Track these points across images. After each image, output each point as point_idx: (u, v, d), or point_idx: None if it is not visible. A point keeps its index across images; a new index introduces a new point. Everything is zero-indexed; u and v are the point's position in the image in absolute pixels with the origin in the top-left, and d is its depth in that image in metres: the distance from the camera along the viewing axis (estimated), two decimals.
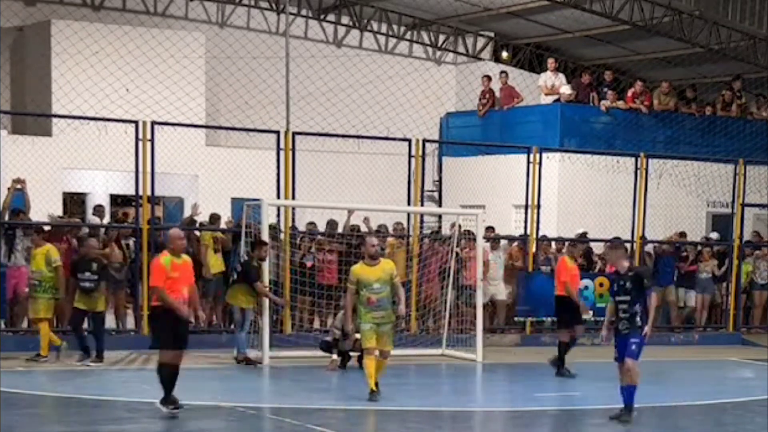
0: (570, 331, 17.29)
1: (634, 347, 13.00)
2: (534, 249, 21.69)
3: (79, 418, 12.52)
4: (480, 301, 19.25)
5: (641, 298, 13.06)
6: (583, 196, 24.04)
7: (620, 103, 26.31)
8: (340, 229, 20.50)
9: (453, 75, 29.87)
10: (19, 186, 18.19)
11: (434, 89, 29.26)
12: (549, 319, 21.39)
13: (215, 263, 19.59)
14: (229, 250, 19.42)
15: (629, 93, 26.72)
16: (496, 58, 30.20)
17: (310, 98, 27.19)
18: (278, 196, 19.75)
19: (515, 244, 22.21)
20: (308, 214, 22.32)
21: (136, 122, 19.03)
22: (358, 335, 17.06)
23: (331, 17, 28.46)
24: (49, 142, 22.34)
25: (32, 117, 23.90)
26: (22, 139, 22.40)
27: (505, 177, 24.03)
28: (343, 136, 22.63)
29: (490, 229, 21.63)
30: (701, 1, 27.23)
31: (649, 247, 23.19)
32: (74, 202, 25.36)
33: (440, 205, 25.01)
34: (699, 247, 23.50)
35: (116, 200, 25.07)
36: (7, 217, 18.10)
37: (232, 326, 18.20)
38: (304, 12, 28.00)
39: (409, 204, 20.88)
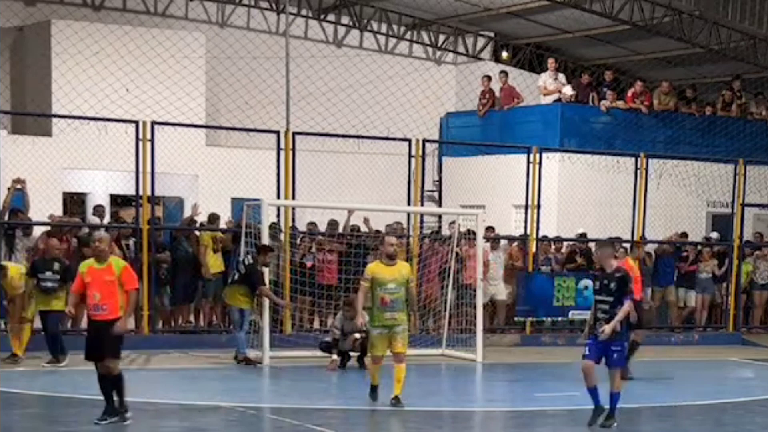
0: (634, 334, 17.25)
1: (616, 356, 12.53)
2: (534, 249, 21.69)
3: (79, 418, 12.52)
4: (480, 301, 19.25)
5: (623, 302, 12.60)
6: (583, 196, 24.05)
7: (620, 103, 26.32)
8: (340, 230, 20.50)
9: (453, 75, 29.87)
10: (19, 186, 18.17)
11: (434, 89, 29.26)
12: (549, 319, 21.43)
13: (215, 263, 19.59)
14: (229, 250, 19.42)
15: (629, 93, 26.72)
16: (496, 58, 30.20)
17: (310, 98, 27.19)
18: (278, 196, 19.75)
19: (515, 244, 22.22)
20: (308, 214, 22.32)
21: (136, 122, 19.04)
22: (357, 335, 17.08)
23: (331, 17, 28.47)
24: (49, 142, 22.35)
25: (32, 117, 23.90)
26: (22, 139, 22.41)
27: (505, 177, 24.03)
28: (343, 136, 22.63)
29: (490, 229, 21.63)
30: (701, 1, 27.24)
31: (649, 247, 23.18)
32: (74, 202, 25.36)
33: (440, 205, 25.00)
34: (699, 247, 23.50)
35: (116, 200, 25.07)
36: (7, 217, 18.08)
37: (231, 326, 18.19)
38: (304, 12, 28.00)
39: (409, 204, 20.88)
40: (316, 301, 19.52)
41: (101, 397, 12.49)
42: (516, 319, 21.53)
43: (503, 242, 22.21)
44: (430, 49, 29.82)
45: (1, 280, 16.51)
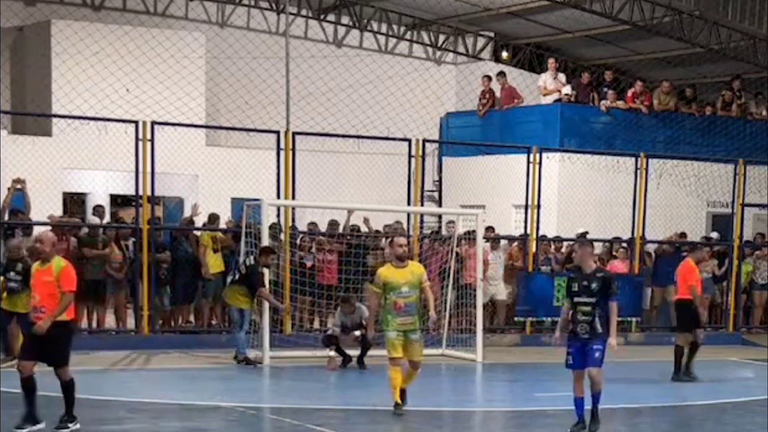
0: (692, 335, 17.22)
1: (597, 355, 12.11)
2: (534, 249, 21.68)
3: (79, 418, 12.51)
4: (480, 301, 19.24)
5: (606, 304, 12.15)
6: (583, 196, 24.05)
7: (620, 103, 26.32)
8: (340, 229, 20.50)
9: (453, 75, 29.88)
10: (19, 186, 18.17)
11: (434, 89, 29.27)
12: (549, 319, 21.42)
13: (215, 263, 19.58)
14: (232, 250, 19.42)
15: (629, 93, 26.73)
16: (496, 58, 30.21)
17: (310, 98, 27.20)
18: (278, 196, 19.75)
19: (515, 244, 22.21)
20: (308, 214, 22.33)
21: (136, 122, 19.03)
22: (357, 332, 17.07)
23: (331, 17, 28.48)
24: (49, 142, 22.35)
25: (32, 117, 23.90)
26: (22, 139, 22.41)
27: (505, 177, 24.03)
28: (343, 136, 22.63)
29: (490, 229, 21.63)
30: (701, 1, 27.24)
31: (649, 247, 23.18)
32: (74, 202, 25.37)
33: (440, 205, 25.01)
34: (699, 247, 23.45)
35: (116, 200, 25.08)
36: (6, 217, 18.08)
37: (231, 326, 18.20)
38: (304, 12, 28.01)
39: (409, 204, 20.87)
40: (316, 301, 19.52)
41: (101, 397, 12.48)
42: (516, 319, 21.54)
43: (503, 242, 22.21)
44: (430, 49, 29.83)
45: None
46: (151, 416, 12.83)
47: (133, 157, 18.89)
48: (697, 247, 20.23)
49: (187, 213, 21.96)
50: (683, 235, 23.77)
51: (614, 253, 22.92)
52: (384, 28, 29.09)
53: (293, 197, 19.91)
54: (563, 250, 22.75)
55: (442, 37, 29.85)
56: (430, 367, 18.22)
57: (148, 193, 19.05)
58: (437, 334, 19.67)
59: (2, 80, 24.20)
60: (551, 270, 21.88)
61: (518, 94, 27.21)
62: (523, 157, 21.73)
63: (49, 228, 18.58)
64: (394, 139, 22.42)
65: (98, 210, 20.33)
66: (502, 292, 21.66)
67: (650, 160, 23.02)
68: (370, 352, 17.58)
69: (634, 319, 22.39)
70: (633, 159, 22.79)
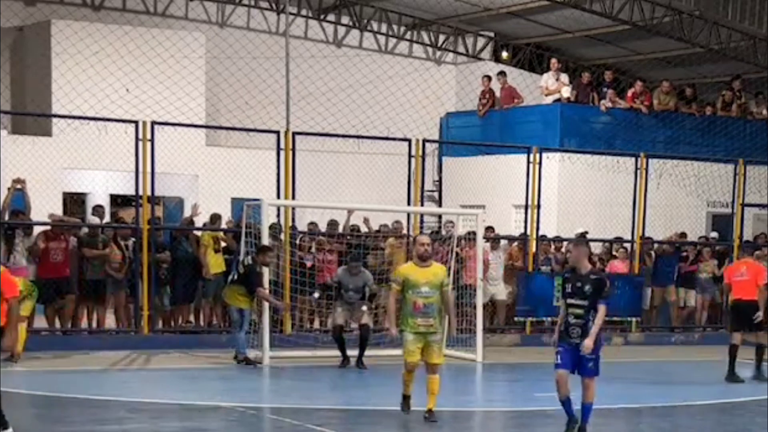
0: (752, 335, 17.22)
1: (591, 364, 11.71)
2: (534, 249, 21.69)
3: (79, 418, 12.52)
4: (480, 301, 19.24)
5: (598, 307, 11.71)
6: (583, 196, 24.06)
7: (621, 102, 26.33)
8: (340, 229, 20.50)
9: (453, 75, 29.89)
10: (19, 186, 18.16)
11: (434, 89, 29.28)
12: (549, 319, 21.41)
13: (216, 263, 19.58)
14: (233, 250, 19.41)
15: (629, 93, 26.73)
16: (496, 58, 30.22)
17: (310, 98, 27.21)
18: (278, 196, 19.74)
19: (515, 244, 22.22)
20: (308, 214, 22.33)
21: (136, 122, 19.02)
22: (364, 307, 17.15)
23: (331, 17, 28.49)
24: (49, 142, 22.35)
25: (32, 117, 23.91)
26: (22, 139, 22.42)
27: (505, 177, 24.03)
28: (343, 136, 22.62)
29: (490, 229, 21.63)
30: (701, 1, 27.25)
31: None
32: (74, 202, 25.37)
33: (440, 205, 25.01)
34: (699, 247, 23.49)
35: (116, 200, 25.08)
36: (6, 217, 18.09)
37: (231, 326, 18.19)
38: (304, 12, 28.02)
39: (409, 204, 20.87)
40: (317, 301, 19.51)
41: (101, 397, 12.48)
42: (516, 319, 21.53)
43: (503, 242, 22.21)
44: (430, 49, 29.84)
45: None
46: (151, 416, 12.82)
47: (133, 157, 18.87)
48: (758, 247, 20.10)
49: (187, 213, 21.95)
50: (683, 235, 23.78)
51: (614, 253, 22.92)
52: (384, 28, 29.09)
53: (293, 197, 19.90)
54: (563, 250, 22.74)
55: (442, 37, 29.86)
56: None
57: (148, 193, 19.04)
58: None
59: (2, 80, 24.19)
60: (551, 270, 21.87)
61: (518, 94, 27.22)
62: (523, 157, 21.73)
63: (49, 228, 18.64)
64: (394, 139, 22.41)
65: (98, 210, 20.31)
66: (502, 292, 21.66)
67: (650, 160, 23.02)
68: (374, 352, 17.60)
69: (634, 319, 22.39)
70: (633, 159, 22.78)
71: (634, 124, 26.26)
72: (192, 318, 20.29)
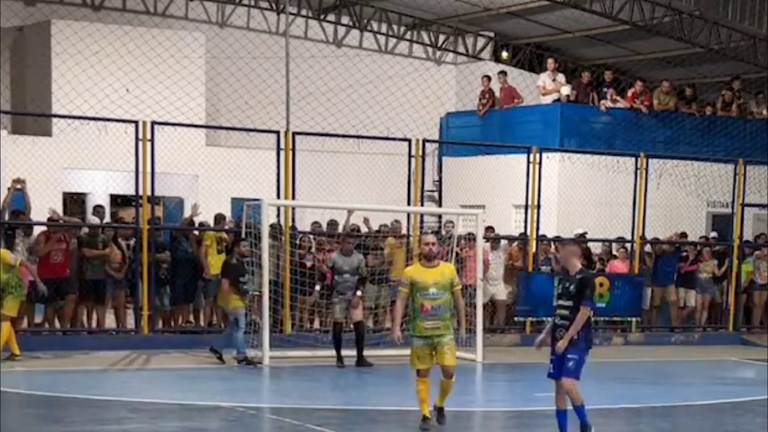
0: None
1: (571, 364, 11.24)
2: (534, 249, 21.68)
3: (79, 418, 12.52)
4: (480, 301, 19.24)
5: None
6: (583, 196, 24.05)
7: (620, 101, 26.33)
8: (340, 229, 20.50)
9: (453, 75, 29.89)
10: (19, 186, 18.16)
11: (434, 89, 29.28)
12: (549, 319, 21.37)
13: (217, 263, 19.56)
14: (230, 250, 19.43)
15: (629, 93, 26.73)
16: (496, 58, 30.22)
17: (310, 98, 27.21)
18: (278, 196, 19.74)
19: (515, 244, 22.21)
20: (308, 214, 22.33)
21: (136, 122, 19.01)
22: (358, 293, 17.28)
23: (331, 17, 28.49)
24: (49, 142, 22.35)
25: (32, 117, 23.91)
26: (22, 139, 22.42)
27: (505, 177, 24.03)
28: (343, 136, 22.62)
29: (490, 229, 21.62)
30: (701, 1, 27.25)
31: (648, 247, 23.18)
32: (74, 202, 25.37)
33: (440, 205, 25.01)
34: (699, 247, 23.50)
35: (116, 200, 25.08)
36: (6, 217, 18.09)
37: (227, 327, 18.18)
38: (304, 12, 28.02)
39: (409, 204, 20.87)
40: (316, 301, 19.51)
41: (101, 397, 12.48)
42: (516, 319, 21.53)
43: (503, 242, 22.21)
44: (430, 49, 29.84)
45: None
46: (151, 416, 12.83)
47: (133, 157, 18.87)
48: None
49: (187, 213, 21.95)
50: (683, 235, 23.77)
51: (614, 253, 22.92)
52: (384, 28, 29.09)
53: (293, 197, 19.90)
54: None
55: (442, 37, 29.86)
56: None
57: (148, 193, 19.03)
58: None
59: (2, 80, 24.21)
60: (551, 270, 21.86)
61: (518, 94, 27.22)
62: (523, 157, 21.72)
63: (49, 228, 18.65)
64: (394, 139, 22.41)
65: (98, 210, 20.32)
66: (502, 292, 21.65)
67: (650, 160, 23.01)
68: (375, 352, 17.59)
69: (634, 319, 22.39)
70: (633, 159, 22.77)
71: (634, 124, 26.26)
72: (192, 318, 20.29)
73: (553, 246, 22.52)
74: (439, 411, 12.34)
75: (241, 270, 17.31)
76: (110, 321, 19.40)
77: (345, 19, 28.66)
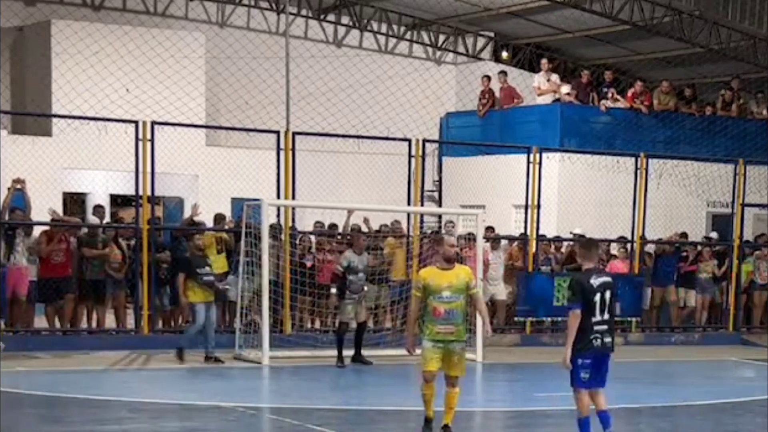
0: None
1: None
2: (534, 249, 21.68)
3: (79, 418, 12.52)
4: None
5: (573, 311, 11.05)
6: (583, 196, 24.05)
7: (621, 100, 26.34)
8: (339, 229, 20.50)
9: (453, 75, 29.90)
10: (19, 186, 18.16)
11: (434, 89, 29.29)
12: (549, 319, 21.43)
13: (218, 263, 19.55)
14: (231, 249, 19.41)
15: (629, 93, 26.73)
16: (496, 58, 30.22)
17: (310, 98, 27.21)
18: (278, 196, 19.74)
19: (515, 244, 22.21)
20: (308, 214, 22.33)
21: (136, 122, 19.00)
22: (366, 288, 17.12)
23: (331, 17, 28.50)
24: (49, 142, 22.36)
25: (32, 117, 23.91)
26: (22, 139, 22.42)
27: (505, 177, 24.03)
28: (343, 136, 22.62)
29: (490, 229, 21.63)
30: (701, 1, 27.25)
31: (649, 247, 23.19)
32: (74, 202, 25.37)
33: (440, 205, 25.01)
34: (699, 247, 23.50)
35: (116, 200, 25.08)
36: (6, 217, 18.08)
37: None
38: (304, 12, 28.03)
39: (409, 204, 20.87)
40: (316, 301, 19.52)
41: (101, 397, 12.48)
42: (516, 319, 21.53)
43: (503, 242, 22.20)
44: (430, 49, 29.84)
45: None
46: (151, 416, 12.83)
47: (133, 157, 18.86)
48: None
49: (187, 213, 21.94)
50: (683, 235, 23.77)
51: (614, 253, 22.92)
52: (384, 28, 29.10)
53: (293, 197, 19.90)
54: (563, 250, 22.76)
55: (442, 37, 29.86)
56: None
57: (148, 193, 19.02)
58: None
59: (2, 80, 24.21)
60: (551, 270, 21.88)
61: (518, 94, 27.22)
62: (523, 157, 21.72)
63: (49, 227, 18.64)
64: (394, 139, 22.41)
65: (98, 210, 20.31)
66: (502, 292, 21.65)
67: (650, 160, 23.01)
68: (375, 352, 17.59)
69: (634, 319, 22.39)
70: (633, 159, 22.78)
71: (634, 124, 26.26)
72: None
73: (552, 246, 22.53)
74: (446, 428, 11.95)
75: (197, 262, 17.21)
76: (110, 321, 19.39)
77: (345, 19, 28.66)
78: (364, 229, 20.62)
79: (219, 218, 19.97)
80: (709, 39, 27.84)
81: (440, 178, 26.68)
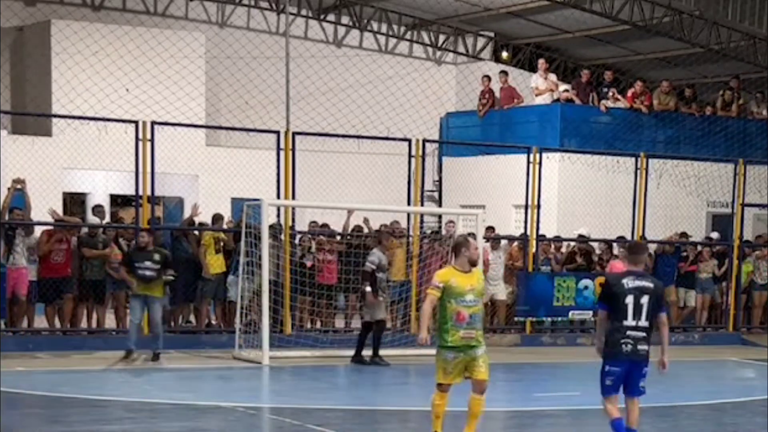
0: None
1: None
2: (534, 249, 21.68)
3: (79, 418, 12.52)
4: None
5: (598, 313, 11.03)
6: (583, 196, 24.05)
7: (621, 100, 26.34)
8: (339, 229, 20.50)
9: (453, 75, 29.90)
10: (19, 186, 18.16)
11: (434, 89, 29.29)
12: (549, 319, 21.43)
13: (216, 263, 19.57)
14: (230, 249, 19.42)
15: (629, 93, 26.74)
16: (496, 58, 30.22)
17: (310, 98, 27.22)
18: (278, 196, 19.73)
19: (515, 244, 22.21)
20: (308, 214, 22.33)
21: (136, 122, 19.00)
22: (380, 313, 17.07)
23: (331, 17, 28.50)
24: (49, 142, 22.36)
25: (32, 117, 23.92)
26: (22, 139, 22.43)
27: (505, 177, 24.04)
28: (343, 136, 22.62)
29: (490, 229, 21.63)
30: (701, 1, 27.25)
31: (649, 247, 23.17)
32: (74, 202, 25.38)
33: (440, 205, 25.02)
34: (699, 247, 23.50)
35: (116, 200, 25.08)
36: (6, 217, 18.08)
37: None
38: (304, 12, 28.03)
39: (409, 204, 20.87)
40: (316, 301, 19.52)
41: (101, 397, 12.47)
42: (516, 319, 21.53)
43: (503, 242, 22.20)
44: (430, 49, 29.84)
45: None
46: (151, 416, 12.82)
47: (133, 157, 18.86)
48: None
49: (187, 213, 21.94)
50: (683, 235, 23.77)
51: (614, 253, 22.91)
52: (384, 28, 29.10)
53: (293, 197, 19.89)
54: (563, 250, 22.76)
55: (442, 37, 29.86)
56: (429, 366, 18.22)
57: (148, 193, 19.02)
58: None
59: (2, 80, 24.22)
60: (551, 270, 21.88)
61: (518, 94, 27.22)
62: (523, 157, 21.72)
63: (50, 227, 18.64)
64: (394, 139, 22.41)
65: (98, 210, 20.31)
66: (502, 292, 21.65)
67: (650, 160, 23.01)
68: (380, 351, 17.58)
69: None
70: (633, 159, 22.78)
71: (634, 124, 26.27)
72: (192, 318, 20.28)
73: (552, 246, 22.51)
74: None
75: (137, 257, 17.09)
76: (110, 321, 19.39)
77: (345, 19, 28.66)
78: (364, 229, 20.64)
79: (217, 218, 19.98)
80: (709, 39, 27.84)
81: (440, 178, 26.70)
